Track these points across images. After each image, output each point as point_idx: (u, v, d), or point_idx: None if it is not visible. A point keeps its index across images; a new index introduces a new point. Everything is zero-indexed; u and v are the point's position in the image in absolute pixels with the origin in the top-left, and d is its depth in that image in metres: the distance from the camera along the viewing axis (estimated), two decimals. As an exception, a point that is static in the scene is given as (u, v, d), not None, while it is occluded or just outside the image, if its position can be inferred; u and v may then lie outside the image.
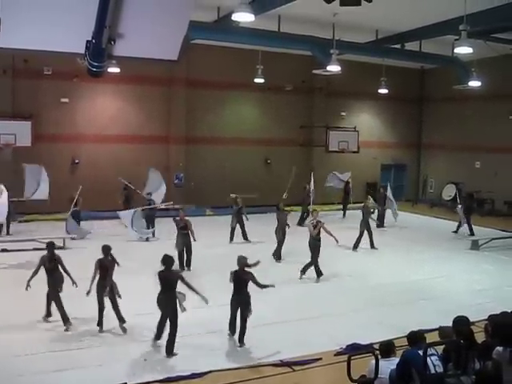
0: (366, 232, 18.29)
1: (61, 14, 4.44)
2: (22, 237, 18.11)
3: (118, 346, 9.79)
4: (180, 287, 9.87)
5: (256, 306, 11.78)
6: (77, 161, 24.20)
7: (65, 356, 9.28)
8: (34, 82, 22.87)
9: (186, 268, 15.18)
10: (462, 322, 6.84)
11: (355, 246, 18.08)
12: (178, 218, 15.61)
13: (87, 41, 4.61)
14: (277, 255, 16.67)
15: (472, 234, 20.74)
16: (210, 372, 8.65)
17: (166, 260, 9.96)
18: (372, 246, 18.31)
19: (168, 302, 9.70)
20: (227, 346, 9.99)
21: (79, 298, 10.43)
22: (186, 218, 15.72)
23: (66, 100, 23.84)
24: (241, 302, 10.23)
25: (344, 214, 25.32)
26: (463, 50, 15.62)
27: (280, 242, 16.74)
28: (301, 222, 22.71)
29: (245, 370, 8.82)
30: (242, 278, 10.26)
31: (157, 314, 10.18)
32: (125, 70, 20.46)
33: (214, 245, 17.92)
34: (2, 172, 20.12)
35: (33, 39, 4.61)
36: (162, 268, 9.92)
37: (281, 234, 16.78)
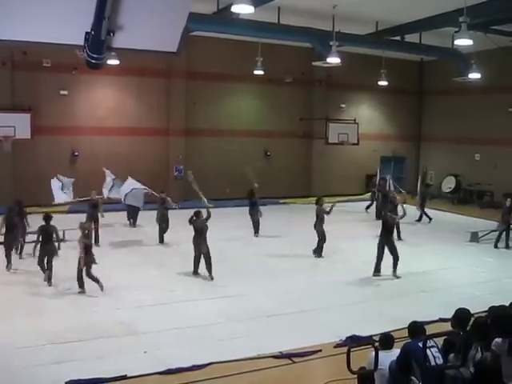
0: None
1: (59, 6, 4.41)
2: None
3: (117, 338, 9.80)
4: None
5: (256, 297, 11.87)
6: (76, 153, 24.18)
7: (64, 348, 9.28)
8: (33, 74, 22.81)
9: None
10: (462, 315, 6.86)
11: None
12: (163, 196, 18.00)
13: (86, 32, 4.58)
14: (318, 252, 16.18)
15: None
16: (211, 364, 8.66)
17: (197, 212, 13.88)
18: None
19: (202, 243, 13.51)
20: (227, 337, 9.99)
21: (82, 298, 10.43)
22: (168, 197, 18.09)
23: (65, 92, 23.79)
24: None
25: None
26: (463, 42, 15.60)
27: (323, 238, 16.18)
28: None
29: (245, 362, 8.82)
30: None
31: (156, 307, 10.23)
32: (124, 62, 20.44)
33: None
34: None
35: (31, 31, 4.58)
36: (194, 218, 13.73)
37: (321, 229, 16.17)
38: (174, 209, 17.80)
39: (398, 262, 14.13)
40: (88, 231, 12.54)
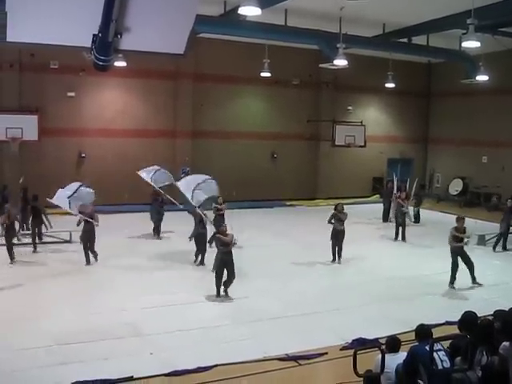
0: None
1: (67, 8, 4.43)
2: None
3: (123, 340, 9.81)
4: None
5: (261, 299, 11.85)
6: (83, 155, 24.23)
7: (70, 349, 9.31)
8: (41, 76, 22.89)
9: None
10: (469, 318, 6.82)
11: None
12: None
13: (94, 35, 4.61)
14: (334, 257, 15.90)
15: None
16: (216, 366, 8.66)
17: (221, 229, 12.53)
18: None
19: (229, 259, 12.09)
20: (233, 339, 9.99)
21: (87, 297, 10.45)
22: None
23: (72, 94, 23.85)
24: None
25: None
26: (471, 44, 15.53)
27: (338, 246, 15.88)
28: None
29: (251, 364, 8.82)
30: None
31: (162, 308, 10.25)
32: (131, 64, 20.48)
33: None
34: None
35: (39, 33, 4.61)
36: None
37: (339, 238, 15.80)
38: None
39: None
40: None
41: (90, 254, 14.87)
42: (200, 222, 15.18)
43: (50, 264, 14.91)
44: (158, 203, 18.56)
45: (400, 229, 19.17)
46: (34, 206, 16.93)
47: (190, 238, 15.17)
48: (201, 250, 15.06)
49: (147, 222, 19.04)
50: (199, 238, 15.10)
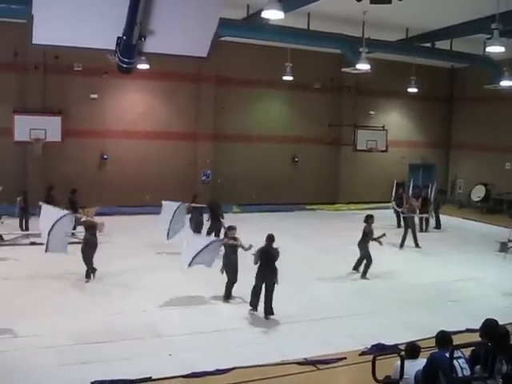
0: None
1: (92, 11, 4.47)
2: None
3: (142, 340, 9.87)
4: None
5: (282, 303, 11.82)
6: (105, 156, 24.41)
7: (91, 349, 9.39)
8: (65, 77, 23.11)
9: None
10: (490, 325, 6.75)
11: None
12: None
13: (118, 37, 4.65)
14: (362, 274, 14.93)
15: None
16: (235, 368, 8.68)
17: (269, 237, 11.45)
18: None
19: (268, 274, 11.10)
20: (251, 342, 10.00)
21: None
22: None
23: (95, 96, 24.04)
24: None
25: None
26: (495, 49, 15.39)
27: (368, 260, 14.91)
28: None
29: (269, 368, 8.81)
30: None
31: (180, 310, 10.29)
32: (154, 67, 20.60)
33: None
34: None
35: (64, 36, 4.65)
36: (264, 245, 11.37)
37: (366, 250, 14.90)
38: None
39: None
40: None
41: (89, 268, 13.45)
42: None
43: (69, 265, 15.02)
44: (199, 210, 18.17)
45: (408, 235, 18.88)
46: (72, 200, 18.36)
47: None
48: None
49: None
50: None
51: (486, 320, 6.87)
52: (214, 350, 9.54)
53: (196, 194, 19.11)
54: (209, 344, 9.79)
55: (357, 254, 15.08)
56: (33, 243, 16.88)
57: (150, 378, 8.26)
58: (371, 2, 13.42)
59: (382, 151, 28.20)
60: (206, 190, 24.80)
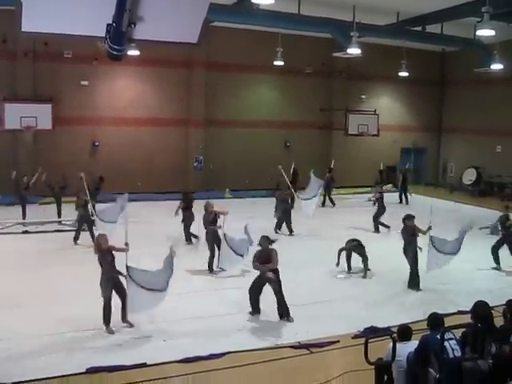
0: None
1: (82, -2, 4.47)
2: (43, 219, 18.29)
3: (137, 327, 9.91)
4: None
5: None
6: (97, 143, 24.36)
7: (85, 335, 9.46)
8: (55, 64, 22.99)
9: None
10: (481, 306, 6.83)
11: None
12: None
13: (108, 24, 4.64)
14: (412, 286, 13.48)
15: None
16: (228, 353, 8.75)
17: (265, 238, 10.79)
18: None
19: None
20: (244, 327, 10.06)
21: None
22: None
23: (85, 83, 23.95)
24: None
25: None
26: (485, 33, 15.45)
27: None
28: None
29: (262, 352, 8.89)
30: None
31: (175, 296, 10.34)
32: (145, 53, 20.52)
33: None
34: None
35: (54, 23, 4.64)
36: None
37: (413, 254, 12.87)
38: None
39: None
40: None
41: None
42: None
43: (66, 251, 15.05)
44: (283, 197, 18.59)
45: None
46: (98, 189, 19.09)
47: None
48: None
49: (160, 211, 19.15)
50: None
51: (476, 302, 6.95)
52: (209, 335, 9.58)
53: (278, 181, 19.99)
54: (203, 329, 9.83)
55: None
56: (25, 232, 16.90)
57: (145, 363, 8.31)
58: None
59: (374, 135, 28.29)
60: (198, 176, 24.80)
